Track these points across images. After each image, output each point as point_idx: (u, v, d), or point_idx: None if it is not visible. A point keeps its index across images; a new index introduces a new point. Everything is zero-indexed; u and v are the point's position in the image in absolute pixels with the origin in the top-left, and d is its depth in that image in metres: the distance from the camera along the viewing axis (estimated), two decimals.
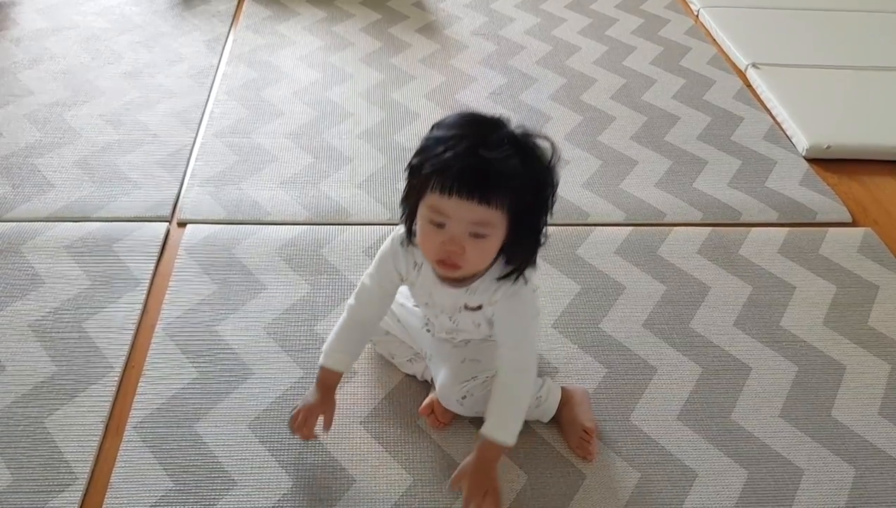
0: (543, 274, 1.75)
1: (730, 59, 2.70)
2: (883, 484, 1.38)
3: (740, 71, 2.63)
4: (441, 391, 1.33)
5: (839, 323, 1.69)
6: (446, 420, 1.38)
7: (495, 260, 1.14)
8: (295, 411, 1.29)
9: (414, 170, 1.09)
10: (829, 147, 2.20)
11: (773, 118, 2.38)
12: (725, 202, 2.02)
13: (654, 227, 1.93)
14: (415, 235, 1.15)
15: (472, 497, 1.20)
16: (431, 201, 1.05)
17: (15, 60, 2.38)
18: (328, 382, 1.30)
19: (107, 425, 1.38)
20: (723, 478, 1.37)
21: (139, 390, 1.43)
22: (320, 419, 1.30)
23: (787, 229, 1.94)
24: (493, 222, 1.05)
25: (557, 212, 1.90)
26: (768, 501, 1.34)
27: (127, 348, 1.51)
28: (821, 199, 2.05)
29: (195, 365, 1.49)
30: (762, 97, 2.47)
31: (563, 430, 1.40)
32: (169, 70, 2.40)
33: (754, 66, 2.57)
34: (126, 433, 1.36)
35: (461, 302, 1.21)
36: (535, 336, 1.29)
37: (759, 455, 1.41)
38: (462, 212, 1.04)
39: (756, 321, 1.68)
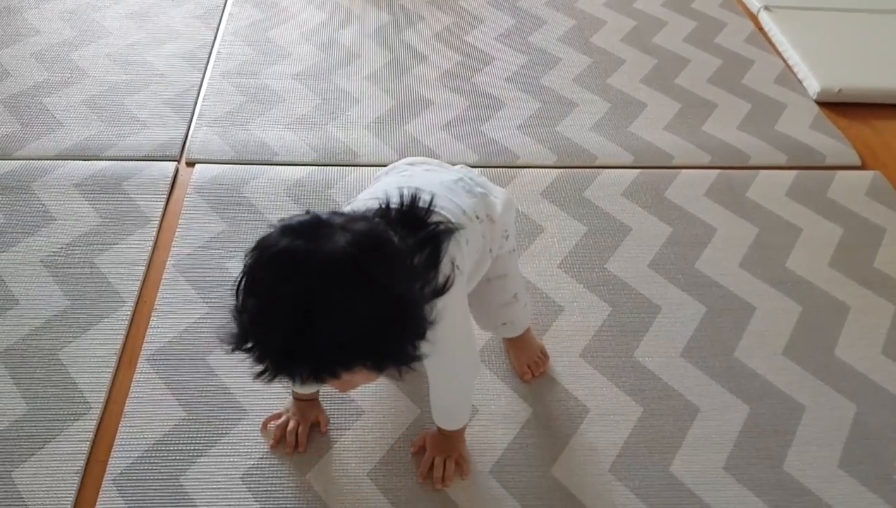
0: (551, 215, 1.75)
1: (741, 1, 2.66)
2: (884, 421, 1.40)
3: (752, 14, 2.59)
4: (494, 317, 1.34)
5: (845, 264, 1.70)
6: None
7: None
8: (279, 421, 1.29)
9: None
10: (840, 90, 2.18)
11: (785, 61, 2.35)
12: (734, 145, 2.01)
13: (661, 170, 1.92)
14: None
15: (432, 455, 1.25)
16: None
17: (20, 1, 2.36)
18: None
19: (120, 357, 1.41)
20: (725, 413, 1.39)
21: (151, 323, 1.45)
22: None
23: (795, 172, 1.94)
24: (348, 379, 0.92)
25: (565, 154, 1.93)
26: (769, 435, 1.36)
27: (139, 283, 1.53)
28: (830, 143, 2.04)
29: (206, 300, 1.51)
30: (773, 40, 2.44)
31: (518, 352, 1.42)
32: (175, 10, 2.37)
33: (766, 8, 2.53)
34: (139, 364, 1.39)
35: None
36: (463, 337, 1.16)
37: (762, 391, 1.43)
38: (310, 388, 0.99)
39: (762, 262, 1.69)
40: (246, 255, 0.89)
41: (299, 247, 0.84)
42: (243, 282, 0.88)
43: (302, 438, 1.27)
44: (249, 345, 0.88)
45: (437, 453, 1.26)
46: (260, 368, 0.89)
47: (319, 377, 0.88)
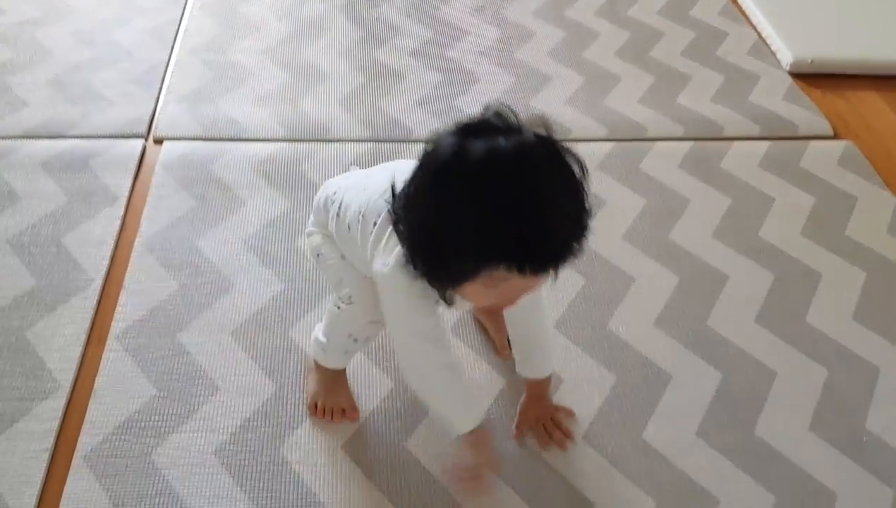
0: None
1: None
2: (854, 385, 1.41)
3: None
4: None
5: (817, 233, 1.71)
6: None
7: None
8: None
9: (458, 252, 0.85)
10: (812, 61, 2.19)
11: (758, 33, 2.35)
12: (708, 117, 2.01)
13: (636, 142, 1.92)
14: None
15: (540, 424, 1.27)
16: (495, 274, 0.86)
17: None
18: (484, 440, 1.14)
19: (89, 335, 1.39)
20: (697, 380, 1.40)
21: (120, 301, 1.43)
22: None
23: (768, 143, 1.94)
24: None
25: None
26: (741, 402, 1.37)
27: (107, 262, 1.51)
28: (803, 113, 2.04)
29: (176, 278, 1.49)
30: (747, 12, 2.44)
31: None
32: None
33: None
34: (109, 342, 1.37)
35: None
36: None
37: (734, 358, 1.44)
38: (530, 282, 0.89)
39: (735, 232, 1.69)
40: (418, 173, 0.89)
41: (504, 146, 0.83)
42: (446, 194, 0.85)
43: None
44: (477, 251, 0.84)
45: (541, 418, 1.27)
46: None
47: (558, 258, 0.85)
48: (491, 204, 0.81)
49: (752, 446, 1.30)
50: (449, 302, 0.99)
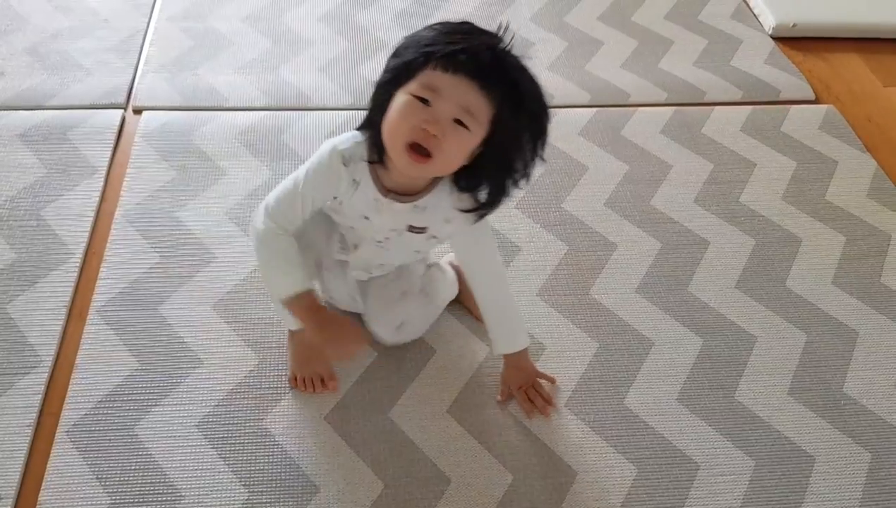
0: None
1: None
2: (833, 349, 1.43)
3: None
4: (374, 326, 1.30)
5: (798, 198, 1.72)
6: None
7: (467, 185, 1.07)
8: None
9: (407, 55, 0.97)
10: (794, 25, 2.17)
11: None
12: (690, 82, 2.01)
13: (618, 108, 1.91)
14: (370, 126, 1.05)
15: (522, 391, 1.29)
16: (425, 79, 0.95)
17: None
18: (310, 305, 1.12)
19: (70, 309, 1.38)
20: (678, 346, 1.41)
21: (101, 275, 1.43)
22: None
23: (750, 107, 1.94)
24: (480, 116, 0.96)
25: None
26: (722, 366, 1.39)
27: (86, 234, 1.50)
28: (785, 77, 2.04)
29: (157, 249, 1.48)
30: None
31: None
32: None
33: None
34: (90, 316, 1.36)
35: (406, 221, 1.11)
36: (493, 241, 1.24)
37: (715, 324, 1.45)
38: (458, 91, 0.94)
39: (716, 197, 1.70)
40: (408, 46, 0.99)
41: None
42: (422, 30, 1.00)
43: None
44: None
45: (523, 386, 1.30)
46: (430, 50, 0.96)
47: (491, 69, 0.95)
48: (447, 28, 0.98)
49: (732, 410, 1.32)
50: (370, 158, 1.06)
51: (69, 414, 1.23)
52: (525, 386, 1.30)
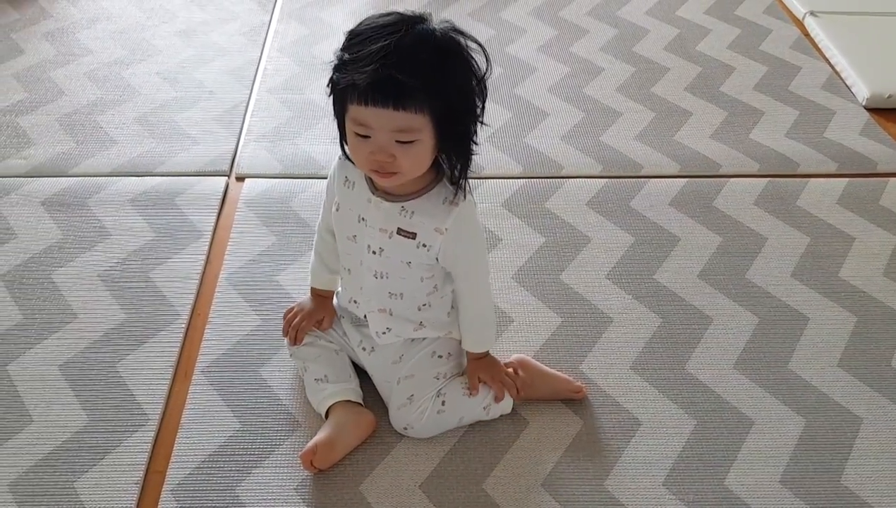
0: (597, 225, 1.75)
1: (786, 7, 2.63)
2: None
3: (797, 19, 2.56)
4: (392, 419, 1.34)
5: None
6: (324, 465, 1.27)
7: (436, 178, 1.16)
8: (290, 314, 1.40)
9: (333, 85, 1.06)
10: (890, 96, 2.15)
11: (832, 67, 2.32)
12: (783, 153, 1.99)
13: (709, 179, 1.91)
14: (342, 145, 1.16)
15: (495, 383, 1.33)
16: (353, 113, 1.03)
17: (73, 21, 2.42)
18: (322, 295, 1.40)
19: (175, 369, 1.43)
20: (780, 426, 1.37)
21: (206, 336, 1.48)
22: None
23: (846, 180, 1.91)
24: (416, 127, 1.02)
25: (610, 164, 1.92)
26: (826, 449, 1.34)
27: (192, 296, 1.56)
28: (881, 149, 2.01)
29: (258, 312, 1.53)
30: (820, 46, 2.41)
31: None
32: (222, 28, 2.42)
33: (812, 13, 2.51)
34: (194, 376, 1.41)
35: (395, 223, 1.17)
36: (484, 257, 1.28)
37: (817, 403, 1.41)
38: (382, 121, 1.01)
39: (814, 272, 1.66)
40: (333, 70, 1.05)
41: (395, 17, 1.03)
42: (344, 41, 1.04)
43: (300, 335, 1.37)
44: (351, 56, 1.01)
45: (491, 377, 1.33)
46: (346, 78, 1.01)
47: (396, 93, 0.99)
48: (356, 38, 1.02)
49: (838, 495, 1.27)
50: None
51: (174, 472, 1.27)
52: (494, 377, 1.33)
